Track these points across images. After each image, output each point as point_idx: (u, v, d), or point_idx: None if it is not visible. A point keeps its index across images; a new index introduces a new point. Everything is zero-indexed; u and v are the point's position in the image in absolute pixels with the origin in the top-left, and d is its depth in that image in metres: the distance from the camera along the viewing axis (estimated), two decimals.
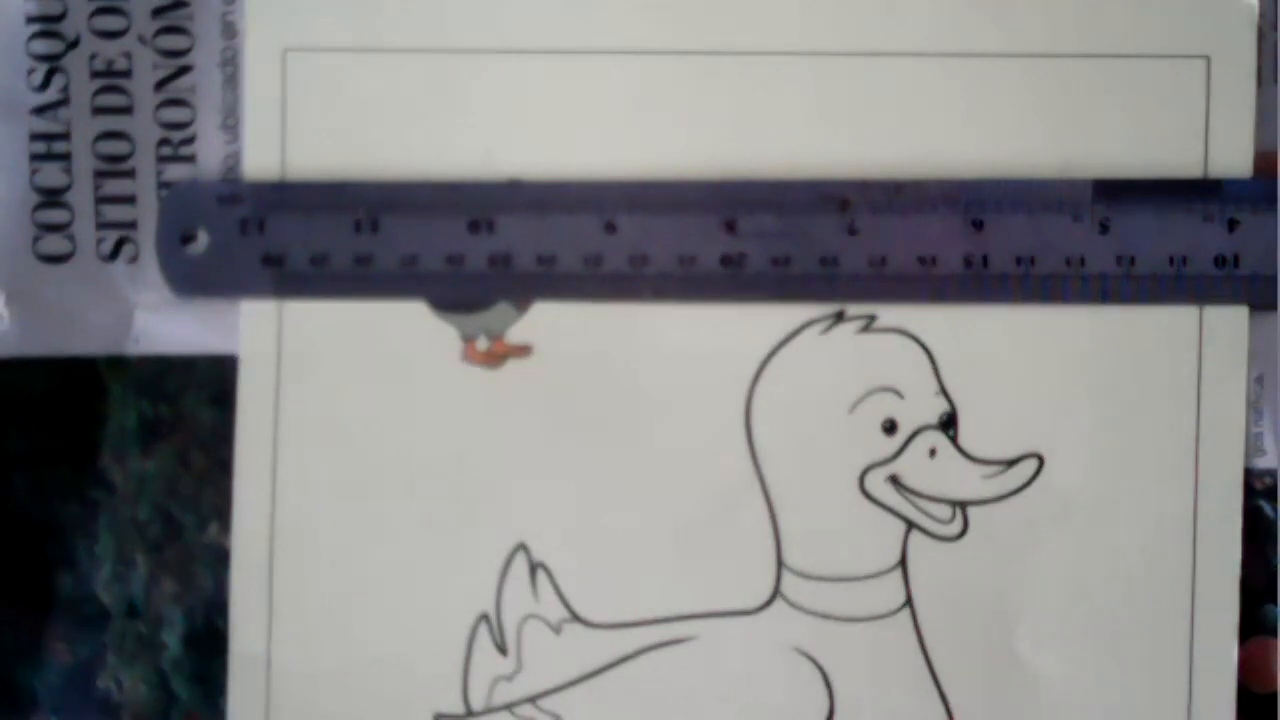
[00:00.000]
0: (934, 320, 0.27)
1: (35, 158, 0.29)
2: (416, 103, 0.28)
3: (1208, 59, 0.27)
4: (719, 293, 0.27)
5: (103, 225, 0.29)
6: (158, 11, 0.29)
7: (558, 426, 0.28)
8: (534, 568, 0.28)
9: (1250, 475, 0.27)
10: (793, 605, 0.27)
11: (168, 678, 0.29)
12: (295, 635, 0.28)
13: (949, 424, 0.27)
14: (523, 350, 0.28)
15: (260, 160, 0.28)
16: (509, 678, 0.28)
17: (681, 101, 0.28)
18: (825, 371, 0.28)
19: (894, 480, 0.27)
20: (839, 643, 0.27)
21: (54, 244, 0.29)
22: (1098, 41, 0.27)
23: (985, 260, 0.27)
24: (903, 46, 0.27)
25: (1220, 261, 0.27)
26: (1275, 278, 0.27)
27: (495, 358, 0.28)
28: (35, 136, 0.29)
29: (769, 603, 0.27)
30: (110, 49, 0.29)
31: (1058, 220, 0.27)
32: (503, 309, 0.28)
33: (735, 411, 0.28)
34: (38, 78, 0.29)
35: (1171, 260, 0.27)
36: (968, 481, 0.27)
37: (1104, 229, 0.27)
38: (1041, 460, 0.27)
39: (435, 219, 0.28)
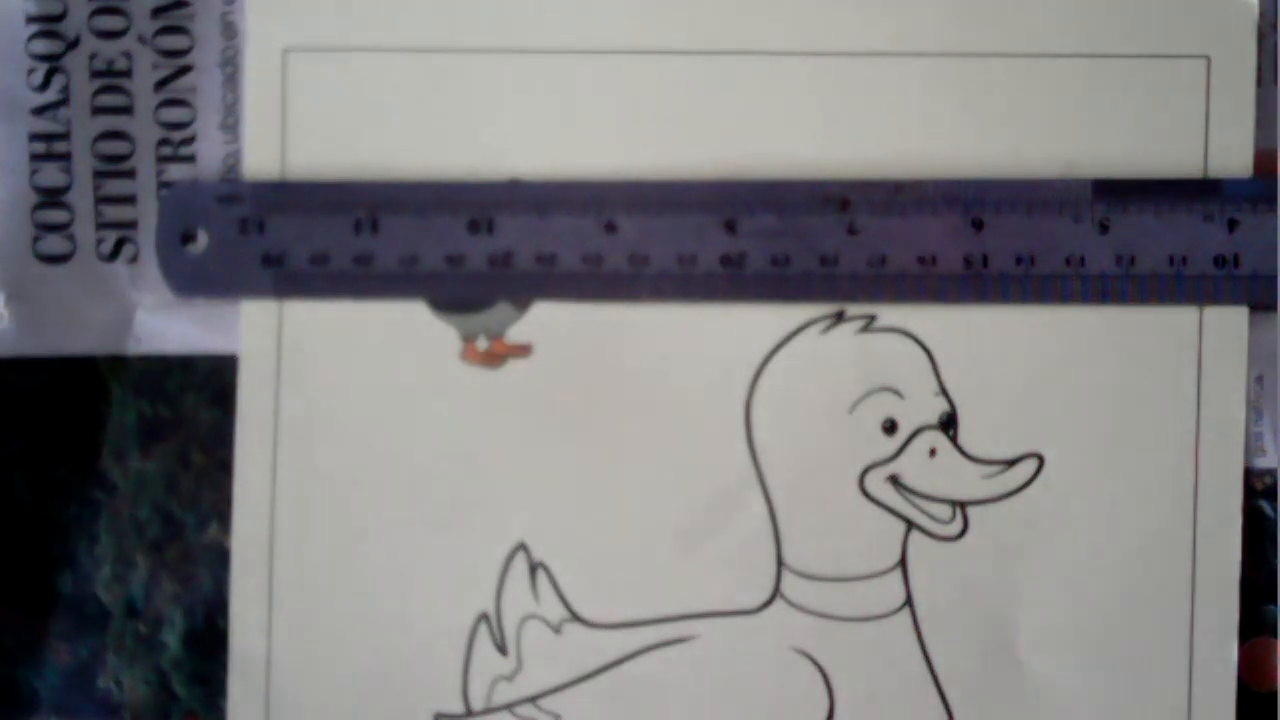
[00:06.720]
0: (934, 320, 0.27)
1: (35, 158, 0.29)
2: (416, 103, 0.28)
3: (1208, 59, 0.27)
4: (719, 293, 0.27)
5: (103, 225, 0.29)
6: (158, 11, 0.29)
7: (557, 426, 0.28)
8: (534, 568, 0.28)
9: (1250, 475, 0.27)
10: (793, 605, 0.27)
11: (168, 678, 0.29)
12: (295, 635, 0.28)
13: (949, 424, 0.27)
14: (523, 350, 0.28)
15: (260, 160, 0.28)
16: (509, 678, 0.28)
17: (681, 101, 0.28)
18: (825, 371, 0.28)
19: (894, 480, 0.27)
20: (839, 643, 0.27)
21: (54, 244, 0.29)
22: (1098, 41, 0.27)
23: (985, 260, 0.27)
24: (902, 46, 0.27)
25: (1220, 261, 0.27)
26: (1275, 278, 0.27)
27: (495, 358, 0.28)
28: (35, 136, 0.29)
29: (769, 603, 0.27)
30: (110, 49, 0.29)
31: (1058, 220, 0.27)
32: (503, 309, 0.28)
33: (735, 411, 0.28)
34: (38, 78, 0.29)
35: (1171, 260, 0.27)
36: (968, 481, 0.27)
37: (1104, 229, 0.27)
38: (1041, 460, 0.27)
39: (435, 219, 0.28)
